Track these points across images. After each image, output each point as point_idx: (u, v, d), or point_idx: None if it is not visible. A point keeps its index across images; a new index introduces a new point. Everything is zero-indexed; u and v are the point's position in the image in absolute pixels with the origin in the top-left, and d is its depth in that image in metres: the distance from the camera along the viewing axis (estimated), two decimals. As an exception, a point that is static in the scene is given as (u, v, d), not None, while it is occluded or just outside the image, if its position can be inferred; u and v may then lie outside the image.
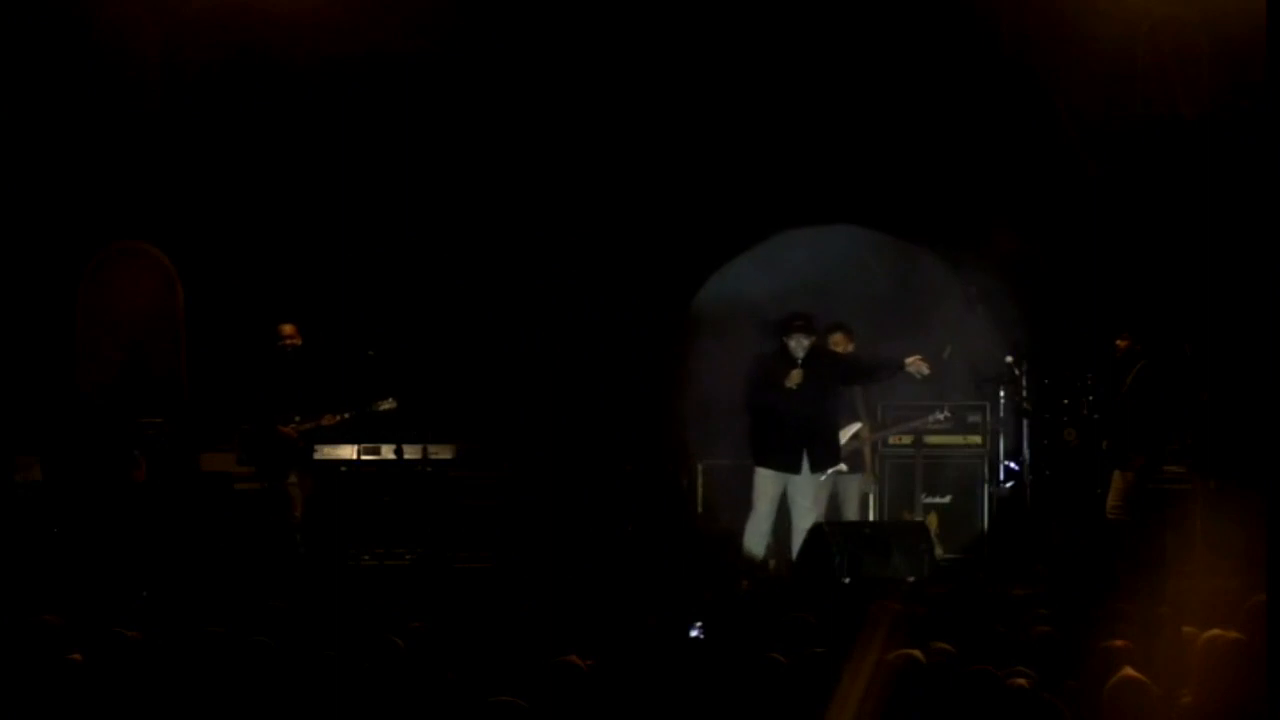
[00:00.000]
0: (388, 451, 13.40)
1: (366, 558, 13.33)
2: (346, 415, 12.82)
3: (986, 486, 14.00)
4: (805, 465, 12.74)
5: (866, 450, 13.68)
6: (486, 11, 14.58)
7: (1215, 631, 7.06)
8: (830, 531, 12.44)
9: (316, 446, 13.19)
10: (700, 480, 14.37)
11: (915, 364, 12.67)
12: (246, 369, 13.25)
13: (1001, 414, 14.17)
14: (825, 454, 12.87)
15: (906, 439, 14.12)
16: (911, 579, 12.12)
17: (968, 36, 14.46)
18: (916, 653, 6.95)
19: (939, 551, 13.31)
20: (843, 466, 13.39)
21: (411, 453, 13.32)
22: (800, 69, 14.55)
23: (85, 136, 14.38)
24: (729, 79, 14.59)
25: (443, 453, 13.65)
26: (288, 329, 13.04)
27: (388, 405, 12.80)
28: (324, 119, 14.48)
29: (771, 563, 13.30)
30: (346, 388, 13.01)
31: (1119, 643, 7.20)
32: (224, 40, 14.32)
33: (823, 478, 12.96)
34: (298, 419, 12.81)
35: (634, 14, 14.53)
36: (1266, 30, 6.55)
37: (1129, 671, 6.58)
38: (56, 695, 6.94)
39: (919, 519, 13.79)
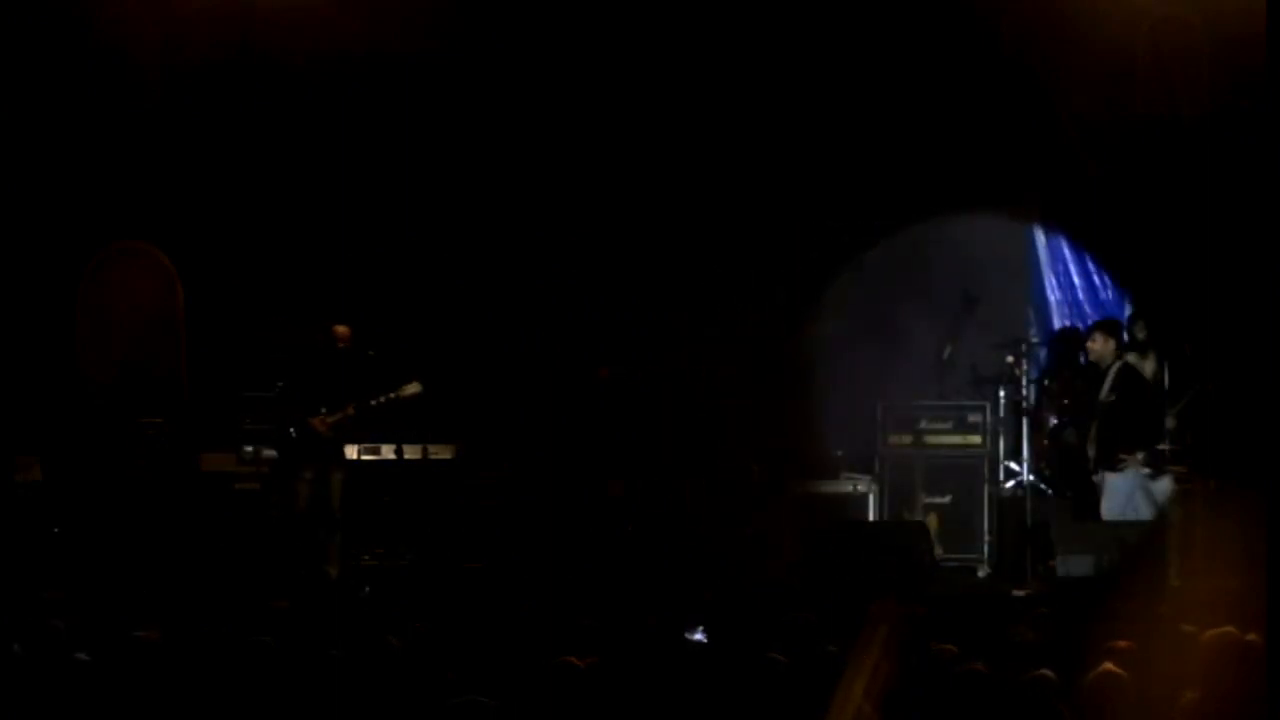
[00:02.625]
0: (388, 451, 13.39)
1: (366, 558, 13.32)
2: (375, 402, 12.68)
3: (986, 486, 13.99)
4: None
5: None
6: (486, 11, 14.57)
7: (1215, 631, 7.07)
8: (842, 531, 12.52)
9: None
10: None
11: None
12: (288, 367, 13.12)
13: (1001, 414, 14.17)
14: None
15: (907, 438, 14.14)
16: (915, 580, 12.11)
17: (967, 36, 14.45)
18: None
19: (939, 551, 13.32)
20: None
21: (411, 453, 13.31)
22: (797, 70, 14.55)
23: (85, 136, 14.38)
24: (727, 78, 14.59)
25: (443, 453, 13.63)
26: (342, 330, 12.90)
27: (413, 390, 12.69)
28: (324, 119, 14.48)
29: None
30: (374, 379, 12.92)
31: (1119, 643, 7.21)
32: (224, 40, 14.31)
33: None
34: (324, 410, 12.74)
35: (634, 13, 14.53)
36: (1266, 30, 6.54)
37: (1108, 666, 6.61)
38: (60, 694, 6.95)
39: (919, 519, 13.78)
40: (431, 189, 14.70)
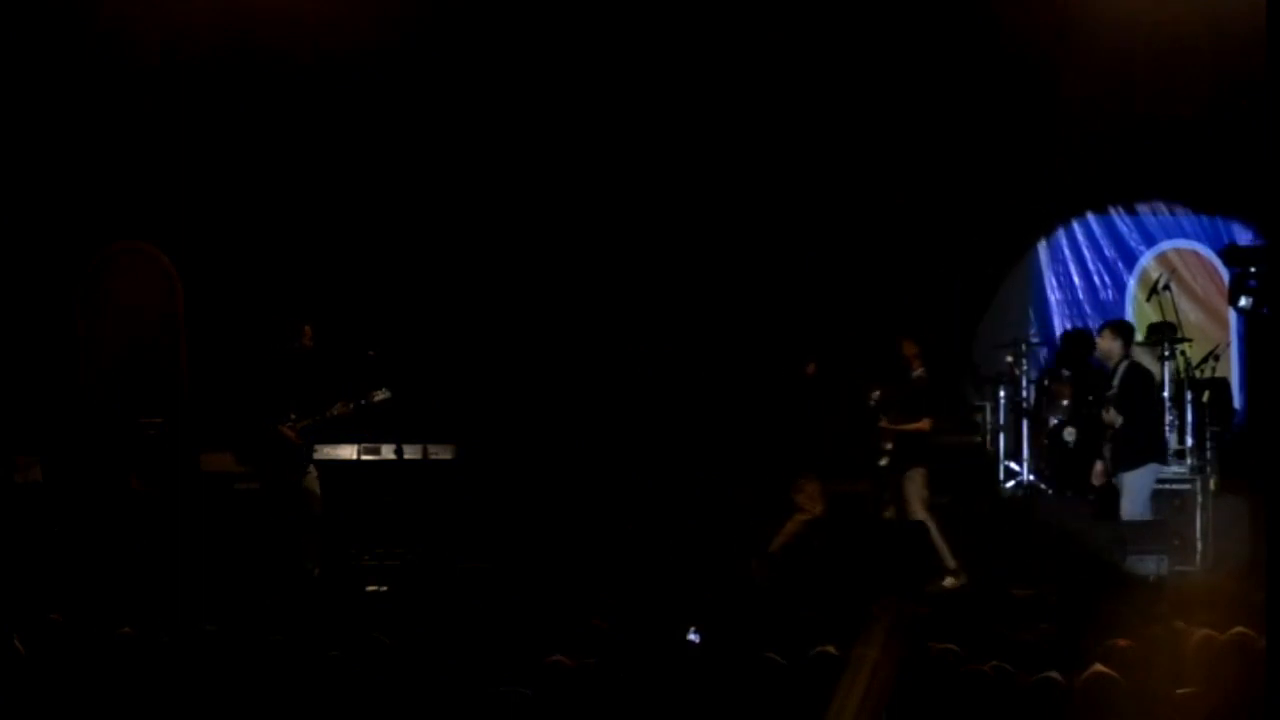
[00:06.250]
0: (388, 451, 13.39)
1: (366, 558, 13.32)
2: (352, 405, 12.74)
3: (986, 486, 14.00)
4: None
5: None
6: (487, 12, 14.58)
7: (1212, 630, 7.08)
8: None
9: (316, 446, 13.18)
10: None
11: None
12: (253, 368, 13.20)
13: (1001, 414, 14.17)
14: None
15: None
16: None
17: (969, 36, 14.47)
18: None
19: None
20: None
21: (411, 453, 13.31)
22: (799, 69, 14.56)
23: (85, 136, 14.38)
24: (727, 78, 14.60)
25: (443, 453, 13.63)
26: (308, 329, 12.98)
27: (382, 396, 12.75)
28: (324, 118, 14.49)
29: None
30: (347, 383, 12.97)
31: (1119, 643, 7.22)
32: (224, 39, 14.31)
33: None
34: (294, 417, 12.76)
35: (634, 13, 14.53)
36: (1266, 30, 6.54)
37: (1098, 667, 6.63)
38: (60, 694, 6.95)
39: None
40: (432, 188, 14.70)
